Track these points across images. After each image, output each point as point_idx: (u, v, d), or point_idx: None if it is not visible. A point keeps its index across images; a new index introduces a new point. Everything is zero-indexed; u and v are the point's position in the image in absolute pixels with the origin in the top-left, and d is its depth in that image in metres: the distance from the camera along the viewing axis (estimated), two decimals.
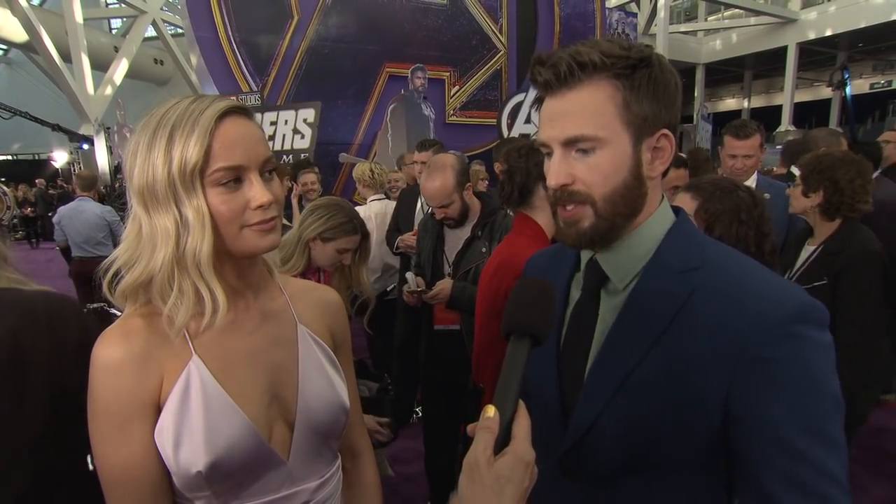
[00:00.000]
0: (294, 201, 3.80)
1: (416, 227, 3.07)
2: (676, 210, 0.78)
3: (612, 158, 0.69)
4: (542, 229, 1.53)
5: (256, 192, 0.73)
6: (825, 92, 19.37)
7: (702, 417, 0.66)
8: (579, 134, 0.68)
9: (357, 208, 3.51)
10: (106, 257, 0.74)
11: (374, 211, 3.40)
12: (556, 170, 0.71)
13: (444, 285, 2.11)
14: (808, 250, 2.01)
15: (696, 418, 0.67)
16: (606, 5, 8.77)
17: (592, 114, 0.68)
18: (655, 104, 0.69)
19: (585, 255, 0.81)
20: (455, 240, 2.30)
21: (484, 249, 2.16)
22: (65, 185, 15.13)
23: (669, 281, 0.70)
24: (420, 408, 3.51)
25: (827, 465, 0.60)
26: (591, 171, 0.69)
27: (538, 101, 0.76)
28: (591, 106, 0.68)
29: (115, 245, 0.76)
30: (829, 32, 17.14)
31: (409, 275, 2.25)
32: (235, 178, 0.73)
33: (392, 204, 3.47)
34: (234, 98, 0.80)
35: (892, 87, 20.79)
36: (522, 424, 0.59)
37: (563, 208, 0.73)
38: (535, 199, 1.54)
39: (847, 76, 10.81)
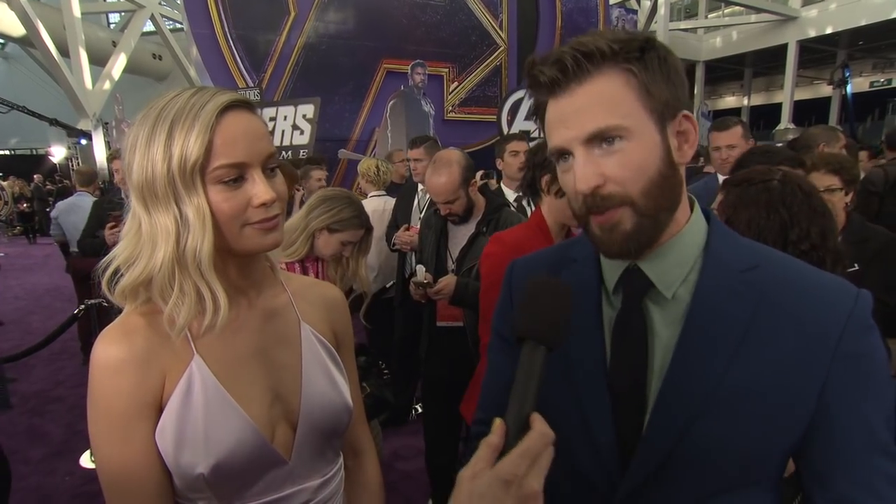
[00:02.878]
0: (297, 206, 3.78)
1: (411, 223, 3.07)
2: (707, 213, 0.74)
3: (643, 148, 0.62)
4: (543, 220, 1.63)
5: (259, 189, 0.71)
6: (825, 90, 19.36)
7: (794, 423, 0.62)
8: (603, 126, 0.61)
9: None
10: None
11: (372, 207, 3.40)
12: (584, 173, 0.62)
13: (449, 281, 2.11)
14: None
15: (787, 425, 0.62)
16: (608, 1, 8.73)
17: (612, 103, 0.61)
18: (671, 86, 0.64)
19: (611, 266, 0.73)
20: (459, 236, 2.29)
21: None
22: (63, 181, 15.07)
23: (733, 283, 0.65)
24: (420, 405, 3.52)
25: None
26: (623, 166, 0.62)
27: (538, 109, 0.69)
28: (608, 95, 0.62)
29: None
30: (829, 30, 17.10)
31: (420, 267, 2.25)
32: (237, 175, 0.71)
33: (392, 201, 3.45)
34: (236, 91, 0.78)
35: (892, 86, 20.77)
36: (526, 444, 0.52)
37: (596, 215, 0.65)
38: (540, 191, 1.65)
39: (848, 74, 10.81)
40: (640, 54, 0.62)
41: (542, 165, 1.58)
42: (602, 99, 0.62)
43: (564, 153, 0.66)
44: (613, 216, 0.64)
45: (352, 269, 1.80)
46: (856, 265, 1.92)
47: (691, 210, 0.71)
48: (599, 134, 0.62)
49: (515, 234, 1.67)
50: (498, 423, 0.53)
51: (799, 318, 0.63)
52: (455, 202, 2.14)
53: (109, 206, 3.48)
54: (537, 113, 0.69)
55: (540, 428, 0.52)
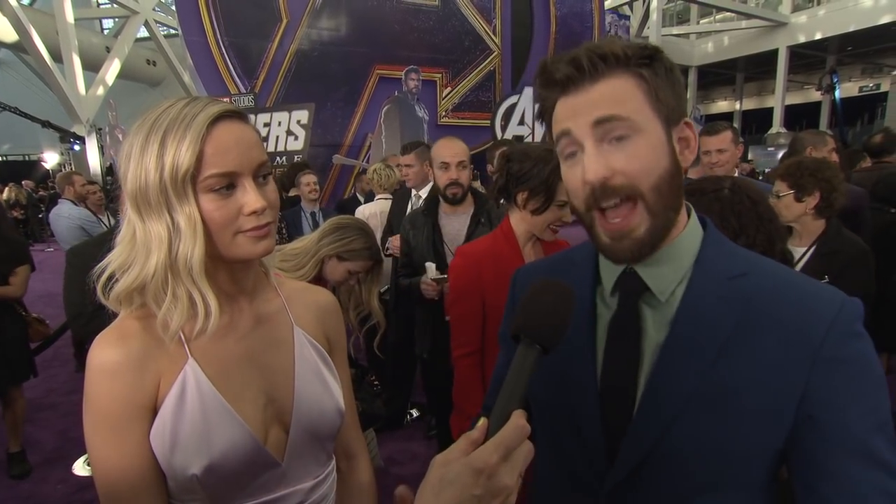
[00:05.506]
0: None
1: None
2: (703, 219, 0.75)
3: (651, 145, 0.65)
4: (511, 229, 1.65)
5: (250, 198, 0.73)
6: (816, 94, 19.58)
7: (775, 426, 0.63)
8: (612, 113, 0.63)
9: (361, 207, 3.54)
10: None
11: (377, 210, 3.44)
12: (593, 162, 0.64)
13: None
14: (797, 251, 2.06)
15: (768, 428, 0.63)
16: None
17: (622, 100, 0.64)
18: (676, 95, 0.67)
19: (608, 268, 0.75)
20: (452, 231, 2.31)
21: None
22: (56, 187, 14.98)
23: (721, 288, 0.67)
24: (415, 409, 3.52)
25: (894, 465, 0.59)
26: (631, 159, 0.64)
27: (545, 110, 0.71)
28: (620, 93, 0.64)
29: None
30: (818, 36, 17.34)
31: (430, 265, 2.23)
32: (228, 184, 0.72)
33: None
34: (224, 100, 0.79)
35: (881, 91, 21.02)
36: (500, 435, 0.51)
37: (605, 219, 0.66)
38: (512, 201, 1.65)
39: (836, 80, 10.95)
40: (650, 62, 0.66)
41: (518, 179, 1.57)
42: (613, 96, 0.64)
43: (573, 148, 0.67)
44: (628, 223, 0.65)
45: (364, 298, 1.83)
46: (826, 277, 1.90)
47: (688, 216, 0.73)
48: (607, 119, 0.64)
49: (480, 245, 1.68)
50: (482, 422, 0.54)
51: (783, 325, 0.64)
52: (466, 169, 2.24)
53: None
54: (543, 115, 0.72)
55: (516, 421, 0.52)
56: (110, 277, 0.74)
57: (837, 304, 0.63)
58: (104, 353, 0.72)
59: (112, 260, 0.74)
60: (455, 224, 2.31)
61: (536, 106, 0.72)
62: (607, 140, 0.64)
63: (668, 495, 0.67)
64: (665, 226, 0.67)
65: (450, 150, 2.23)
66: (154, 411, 0.74)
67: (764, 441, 0.64)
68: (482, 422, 0.53)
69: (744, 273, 0.68)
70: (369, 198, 3.76)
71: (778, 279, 0.68)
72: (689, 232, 0.71)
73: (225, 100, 0.80)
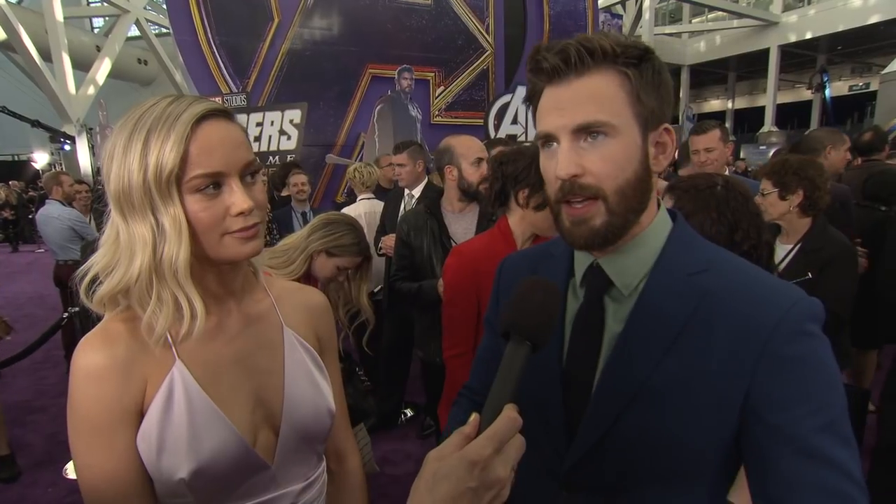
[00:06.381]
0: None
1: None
2: (673, 214, 0.77)
3: (625, 148, 0.66)
4: (509, 229, 1.64)
5: (237, 198, 0.71)
6: (806, 93, 19.74)
7: (722, 421, 0.65)
8: (593, 120, 0.65)
9: (346, 208, 3.55)
10: (76, 261, 0.72)
11: (361, 211, 3.43)
12: (566, 160, 0.66)
13: None
14: (783, 248, 2.09)
15: (715, 422, 0.65)
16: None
17: (604, 100, 0.65)
18: (659, 98, 0.68)
19: (580, 261, 0.78)
20: (460, 229, 2.26)
21: None
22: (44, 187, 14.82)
23: (678, 284, 0.69)
24: (409, 409, 3.52)
25: (845, 463, 0.59)
26: (604, 161, 0.66)
27: (533, 96, 0.72)
28: (604, 92, 0.65)
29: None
30: (809, 35, 17.50)
31: None
32: (214, 183, 0.71)
33: (380, 204, 3.46)
34: (217, 99, 0.78)
35: (870, 90, 21.19)
36: (493, 427, 0.52)
37: (570, 206, 0.69)
38: (511, 202, 1.64)
39: (826, 79, 11.05)
40: (638, 62, 0.66)
41: (515, 179, 1.56)
42: (596, 94, 0.66)
43: (551, 139, 0.70)
44: (587, 210, 0.68)
45: (354, 294, 1.81)
46: (809, 274, 1.93)
47: (657, 211, 0.74)
48: (587, 127, 0.66)
49: (476, 244, 1.67)
50: (474, 417, 0.54)
51: (734, 320, 0.65)
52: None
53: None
54: (531, 99, 0.73)
55: (508, 414, 0.53)
56: (94, 280, 0.72)
57: (790, 302, 0.64)
58: (88, 356, 0.71)
59: (95, 262, 0.72)
60: (462, 223, 2.26)
61: (525, 91, 0.74)
62: (583, 138, 0.67)
63: (620, 479, 0.71)
64: (623, 225, 0.69)
65: (480, 146, 2.21)
66: (140, 415, 0.73)
67: (711, 434, 0.65)
68: (474, 417, 0.54)
69: (704, 269, 0.70)
70: None
71: (738, 275, 0.69)
72: (655, 227, 0.73)
73: (216, 99, 0.79)
